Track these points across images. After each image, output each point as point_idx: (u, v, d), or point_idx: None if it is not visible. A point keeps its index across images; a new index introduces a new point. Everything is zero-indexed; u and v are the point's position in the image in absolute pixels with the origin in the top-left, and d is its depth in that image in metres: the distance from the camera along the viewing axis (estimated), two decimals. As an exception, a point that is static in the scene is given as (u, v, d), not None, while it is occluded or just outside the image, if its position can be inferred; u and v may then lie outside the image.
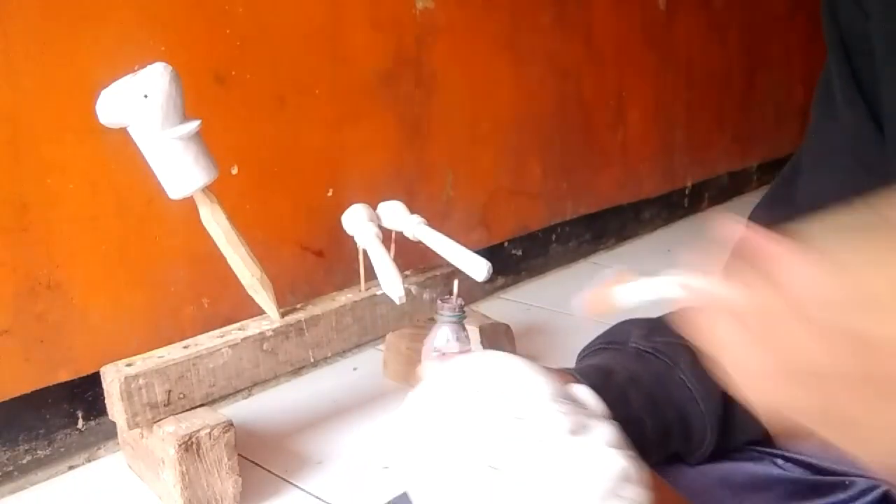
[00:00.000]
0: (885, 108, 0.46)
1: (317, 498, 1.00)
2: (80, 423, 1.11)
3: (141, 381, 0.90)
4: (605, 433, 0.37)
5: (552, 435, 0.35)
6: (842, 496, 0.48)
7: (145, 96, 0.83)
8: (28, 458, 1.06)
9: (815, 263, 0.27)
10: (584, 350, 0.53)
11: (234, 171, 1.22)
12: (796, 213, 0.53)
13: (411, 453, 0.38)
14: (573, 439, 0.35)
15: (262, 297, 1.02)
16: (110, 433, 1.11)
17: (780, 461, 0.50)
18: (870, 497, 0.48)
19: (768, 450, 0.51)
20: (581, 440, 0.36)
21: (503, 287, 1.76)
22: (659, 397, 0.45)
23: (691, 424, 0.46)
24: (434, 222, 1.14)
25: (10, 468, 1.04)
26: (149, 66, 0.85)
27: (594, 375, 0.43)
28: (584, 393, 0.39)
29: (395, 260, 1.05)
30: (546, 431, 0.35)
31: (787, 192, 0.55)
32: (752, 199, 2.55)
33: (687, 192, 2.35)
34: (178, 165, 0.88)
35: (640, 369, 0.46)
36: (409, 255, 1.21)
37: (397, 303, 1.02)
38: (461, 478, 0.36)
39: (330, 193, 1.36)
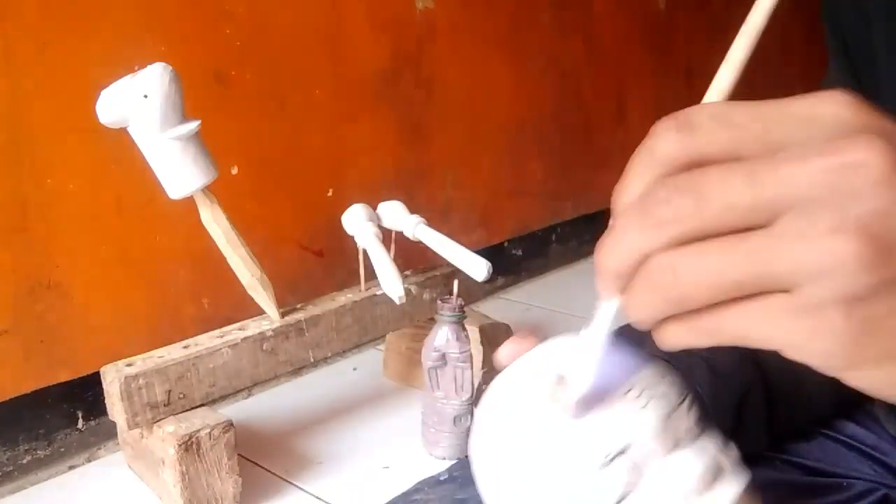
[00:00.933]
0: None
1: (317, 498, 1.00)
2: (80, 423, 1.11)
3: (141, 381, 0.90)
4: (736, 486, 0.30)
5: (676, 487, 0.28)
6: (840, 497, 0.48)
7: (145, 96, 0.83)
8: (28, 457, 1.06)
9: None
10: None
11: (234, 171, 1.22)
12: None
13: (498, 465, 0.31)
14: (701, 499, 0.29)
15: (262, 297, 1.02)
16: (110, 433, 1.11)
17: (777, 463, 0.50)
18: (869, 499, 0.47)
19: (766, 453, 0.51)
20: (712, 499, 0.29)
21: (503, 287, 1.76)
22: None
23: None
24: (434, 222, 1.14)
25: (10, 468, 1.04)
26: (149, 66, 0.85)
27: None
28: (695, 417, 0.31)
29: (395, 260, 1.05)
30: (668, 482, 0.29)
31: None
32: (752, 199, 2.56)
33: (687, 192, 2.35)
34: (178, 165, 0.88)
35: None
36: (409, 255, 1.21)
37: (397, 303, 1.02)
38: None
39: (330, 193, 1.36)
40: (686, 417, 0.31)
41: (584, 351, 0.28)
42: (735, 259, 0.21)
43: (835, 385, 0.50)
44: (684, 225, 0.21)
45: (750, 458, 0.50)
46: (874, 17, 0.46)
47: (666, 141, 0.23)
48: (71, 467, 1.10)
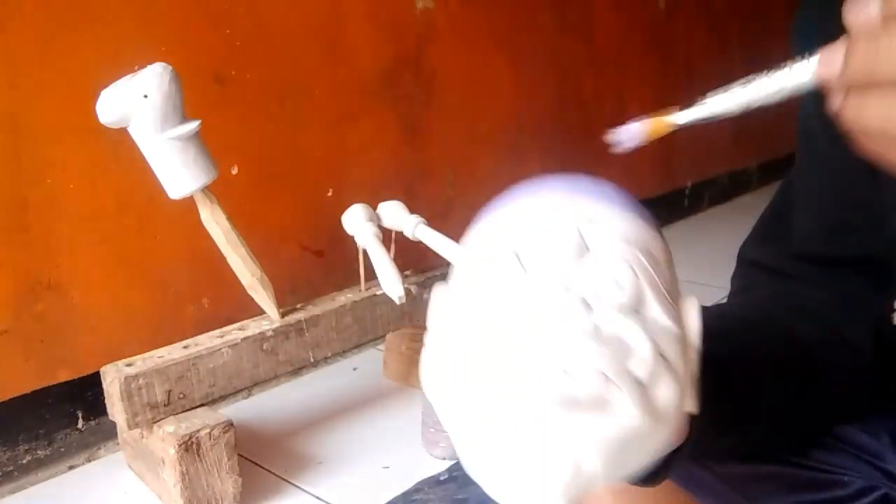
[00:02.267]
0: None
1: (317, 498, 1.00)
2: (80, 422, 1.11)
3: (141, 381, 0.90)
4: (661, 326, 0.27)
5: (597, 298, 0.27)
6: (840, 493, 0.48)
7: (145, 96, 0.83)
8: (28, 457, 1.06)
9: None
10: None
11: (234, 171, 1.22)
12: (789, 249, 0.53)
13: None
14: (617, 316, 0.27)
15: (262, 297, 1.02)
16: (110, 433, 1.11)
17: (779, 461, 0.50)
18: (870, 497, 0.47)
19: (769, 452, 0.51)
20: (623, 323, 0.27)
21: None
22: (731, 385, 0.43)
23: (748, 434, 0.44)
24: (434, 222, 1.14)
25: (11, 468, 1.04)
26: (148, 67, 0.85)
27: None
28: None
29: (395, 260, 1.05)
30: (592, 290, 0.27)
31: (778, 227, 0.55)
32: (751, 199, 2.56)
33: (687, 192, 2.35)
34: (178, 165, 0.88)
35: (721, 356, 0.44)
36: (409, 255, 1.21)
37: (397, 303, 1.02)
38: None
39: (330, 193, 1.36)
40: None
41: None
42: None
43: (861, 384, 0.50)
44: None
45: (753, 455, 0.50)
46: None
47: None
48: (71, 467, 1.10)
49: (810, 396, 0.46)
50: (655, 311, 0.28)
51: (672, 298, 0.29)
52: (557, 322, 0.26)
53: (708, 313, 0.46)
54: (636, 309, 0.27)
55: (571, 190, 0.29)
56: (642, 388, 0.26)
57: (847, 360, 0.49)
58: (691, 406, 0.29)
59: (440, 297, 0.30)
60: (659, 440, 0.28)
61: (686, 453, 0.39)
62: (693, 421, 0.38)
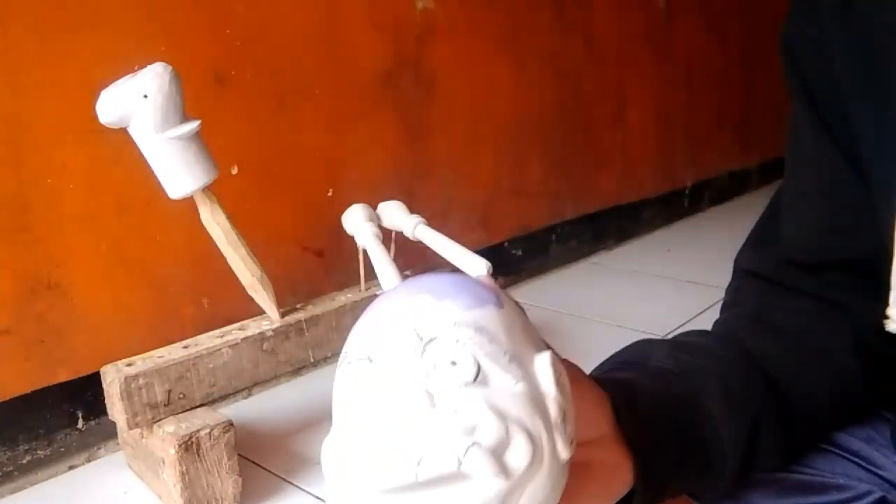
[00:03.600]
0: (862, 146, 0.46)
1: (317, 498, 1.00)
2: (80, 422, 1.11)
3: (141, 381, 0.90)
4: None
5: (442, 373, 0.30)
6: (835, 497, 0.48)
7: (145, 96, 0.83)
8: (28, 458, 1.06)
9: None
10: (596, 369, 0.50)
11: (234, 171, 1.22)
12: (779, 256, 0.53)
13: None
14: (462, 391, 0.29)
15: (262, 296, 1.02)
16: (110, 433, 1.11)
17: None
18: (865, 501, 0.47)
19: None
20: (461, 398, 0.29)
21: (503, 287, 1.76)
22: (683, 423, 0.42)
23: (709, 461, 0.43)
24: (434, 222, 1.14)
25: (10, 468, 1.04)
26: (148, 66, 0.85)
27: (620, 388, 0.40)
28: (544, 368, 0.32)
29: (395, 260, 1.05)
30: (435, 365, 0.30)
31: (770, 235, 0.55)
32: (751, 199, 2.56)
33: (687, 192, 2.35)
34: (178, 165, 0.88)
35: (666, 390, 0.42)
36: (409, 255, 1.21)
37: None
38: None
39: (330, 193, 1.36)
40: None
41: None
42: None
43: (842, 398, 0.50)
44: None
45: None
46: (837, 55, 0.46)
47: None
48: (71, 467, 1.10)
49: (779, 430, 0.46)
50: (498, 378, 0.30)
51: (521, 359, 0.31)
52: (405, 416, 0.29)
53: (673, 349, 0.46)
54: (483, 382, 0.30)
55: (411, 292, 0.33)
56: (495, 454, 0.29)
57: (826, 380, 0.48)
58: (564, 452, 0.31)
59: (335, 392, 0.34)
60: (541, 492, 0.30)
61: (640, 499, 0.39)
62: (640, 467, 0.38)
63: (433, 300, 0.31)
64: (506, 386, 0.30)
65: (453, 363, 0.30)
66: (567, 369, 0.37)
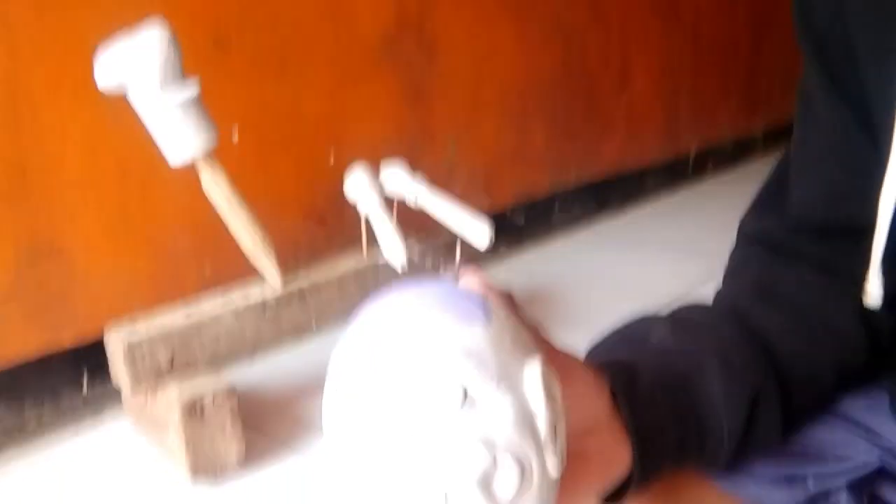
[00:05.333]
0: (874, 110, 0.45)
1: (318, 461, 1.01)
2: (86, 387, 1.11)
3: (144, 348, 0.91)
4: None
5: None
6: (834, 466, 0.48)
7: (143, 59, 0.82)
8: (35, 421, 1.07)
9: None
10: (595, 345, 0.50)
11: (235, 136, 1.21)
12: (785, 222, 0.53)
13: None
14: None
15: (264, 263, 1.02)
16: (115, 397, 1.12)
17: None
18: (865, 471, 0.47)
19: None
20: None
21: (506, 254, 1.75)
22: (682, 404, 0.42)
23: (707, 442, 0.43)
24: (436, 189, 1.13)
25: (18, 431, 1.05)
26: (145, 29, 0.84)
27: (618, 372, 0.40)
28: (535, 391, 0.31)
29: (398, 227, 1.05)
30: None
31: (775, 200, 0.54)
32: (757, 165, 2.54)
33: (691, 159, 2.34)
34: (178, 132, 0.88)
35: (666, 370, 0.42)
36: (412, 222, 1.21)
37: (399, 270, 1.02)
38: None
39: (332, 159, 1.35)
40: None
41: None
42: None
43: (844, 371, 0.49)
44: None
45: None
46: (851, 16, 0.45)
47: None
48: (77, 431, 1.11)
49: (778, 408, 0.46)
50: (486, 402, 0.30)
51: (510, 377, 0.31)
52: (391, 450, 0.29)
53: (673, 326, 0.46)
54: (470, 407, 0.30)
55: (395, 311, 0.32)
56: (482, 485, 0.29)
57: (829, 355, 0.48)
58: (554, 471, 0.31)
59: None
60: None
61: (636, 485, 0.40)
62: (637, 452, 0.39)
63: (418, 322, 0.31)
64: (494, 410, 0.30)
65: (439, 391, 0.30)
66: (563, 358, 0.37)
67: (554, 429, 0.31)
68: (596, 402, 0.38)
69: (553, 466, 0.31)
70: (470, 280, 0.36)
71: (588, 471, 0.37)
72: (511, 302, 0.36)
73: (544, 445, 0.31)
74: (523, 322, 0.35)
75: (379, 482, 0.29)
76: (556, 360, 0.36)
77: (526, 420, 0.31)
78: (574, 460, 0.35)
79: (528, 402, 0.31)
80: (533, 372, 0.32)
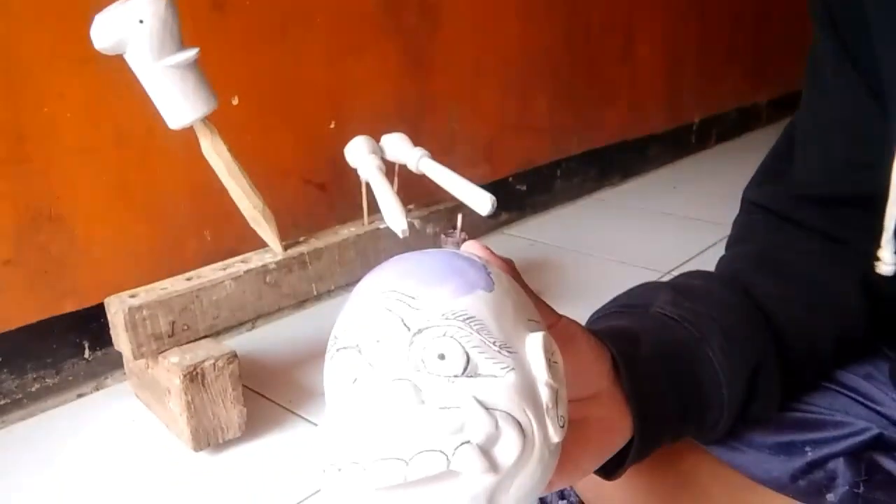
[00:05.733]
0: (886, 79, 0.44)
1: (320, 426, 1.02)
2: (87, 352, 1.12)
3: (145, 313, 0.91)
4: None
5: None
6: (832, 433, 0.48)
7: (140, 21, 0.81)
8: (37, 385, 1.08)
9: None
10: (597, 312, 0.50)
11: (235, 101, 1.20)
12: (790, 190, 0.52)
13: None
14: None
15: (265, 229, 1.02)
16: (117, 363, 1.13)
17: None
18: (863, 437, 0.48)
19: None
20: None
21: (507, 222, 1.75)
22: (683, 374, 0.42)
23: (707, 412, 0.43)
24: (438, 156, 1.12)
25: (20, 395, 1.06)
26: (144, -9, 0.83)
27: (620, 341, 0.40)
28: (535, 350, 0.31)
29: (399, 193, 1.04)
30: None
31: (781, 169, 0.54)
32: (760, 136, 2.52)
33: (694, 128, 2.32)
34: (177, 95, 0.87)
35: (668, 339, 0.42)
36: (413, 189, 1.20)
37: (400, 236, 1.01)
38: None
39: (332, 125, 1.34)
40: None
41: None
42: None
43: (844, 340, 0.49)
44: None
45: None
46: None
47: None
48: (79, 395, 1.12)
49: (779, 377, 0.46)
50: (488, 368, 0.30)
51: (512, 344, 0.31)
52: (394, 413, 0.29)
53: (676, 294, 0.45)
54: (473, 372, 0.30)
55: (400, 275, 0.32)
56: (483, 450, 0.29)
57: (830, 325, 0.48)
58: (555, 436, 0.31)
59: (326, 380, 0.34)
60: (530, 479, 0.30)
61: (636, 453, 0.40)
62: (638, 422, 0.39)
63: (421, 287, 0.31)
64: (495, 376, 0.30)
65: (441, 356, 0.30)
66: (565, 326, 0.36)
67: (556, 395, 0.31)
68: (598, 370, 0.38)
69: (554, 433, 0.31)
70: (472, 247, 0.36)
71: (589, 439, 0.37)
72: (513, 271, 0.36)
73: (546, 412, 0.31)
74: (525, 290, 0.35)
75: (380, 448, 0.29)
76: (557, 327, 0.36)
77: (528, 386, 0.30)
78: (575, 428, 0.35)
79: (530, 368, 0.31)
80: (535, 339, 0.31)
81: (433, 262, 0.32)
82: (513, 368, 0.30)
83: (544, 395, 0.31)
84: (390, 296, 0.31)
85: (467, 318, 0.30)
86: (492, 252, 0.36)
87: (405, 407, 0.29)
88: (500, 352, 0.30)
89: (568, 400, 0.32)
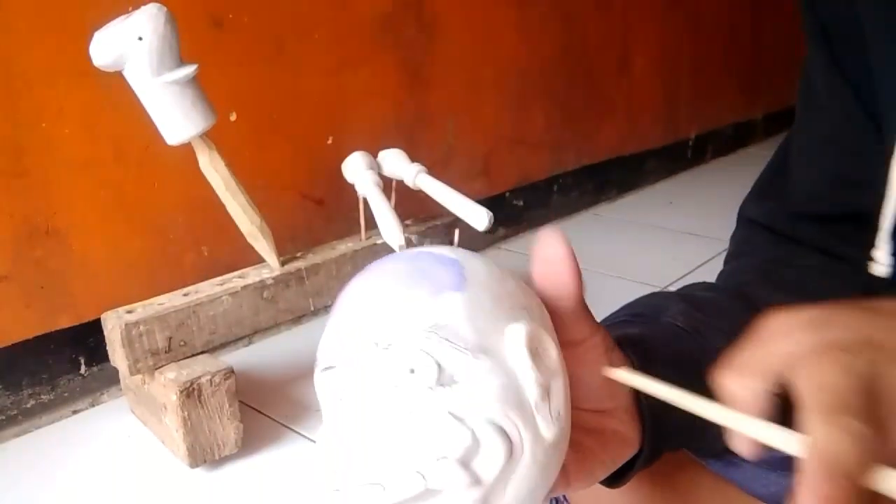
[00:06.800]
0: (882, 94, 0.45)
1: (316, 443, 1.01)
2: (83, 368, 1.11)
3: (142, 328, 0.91)
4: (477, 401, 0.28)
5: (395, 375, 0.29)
6: None
7: (139, 38, 0.82)
8: (32, 402, 1.07)
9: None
10: (607, 319, 0.50)
11: (233, 117, 1.20)
12: (787, 207, 0.53)
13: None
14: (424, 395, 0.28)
15: (262, 245, 1.02)
16: (113, 379, 1.12)
17: None
18: None
19: None
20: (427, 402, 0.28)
21: (504, 237, 1.75)
22: (694, 386, 0.43)
23: (712, 428, 0.44)
24: (435, 170, 1.12)
25: (15, 412, 1.06)
26: (142, 7, 0.83)
27: (632, 349, 0.39)
28: (516, 343, 0.30)
29: (396, 209, 1.04)
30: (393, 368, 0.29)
31: (777, 184, 0.54)
32: (756, 151, 2.53)
33: (690, 143, 2.33)
34: (175, 111, 0.87)
35: (679, 351, 0.42)
36: (410, 204, 1.20)
37: (397, 251, 1.01)
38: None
39: (330, 141, 1.35)
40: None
41: None
42: None
43: None
44: None
45: None
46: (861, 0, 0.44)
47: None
48: (75, 412, 1.11)
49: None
50: (464, 375, 0.28)
51: (490, 344, 0.29)
52: (367, 436, 0.28)
53: (686, 305, 0.45)
54: (448, 382, 0.28)
55: (369, 287, 0.31)
56: (463, 464, 0.27)
57: None
58: (547, 433, 0.29)
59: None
60: (527, 481, 0.29)
61: (644, 464, 0.40)
62: (649, 436, 0.39)
63: (387, 300, 0.30)
64: (473, 382, 0.28)
65: (412, 371, 0.28)
66: (603, 339, 0.35)
67: (546, 390, 0.29)
68: (621, 386, 0.38)
69: (547, 428, 0.29)
70: (551, 238, 0.34)
71: (605, 450, 0.37)
72: (575, 276, 0.35)
73: (535, 409, 0.29)
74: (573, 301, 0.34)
75: (359, 474, 0.28)
76: (594, 341, 0.35)
77: (510, 387, 0.29)
78: (594, 438, 0.35)
79: (512, 366, 0.29)
80: (515, 333, 0.29)
81: (399, 269, 0.31)
82: (491, 371, 0.28)
83: (530, 391, 0.29)
84: (360, 313, 0.30)
85: (435, 327, 0.28)
86: (569, 248, 0.35)
87: (380, 428, 0.28)
88: (475, 356, 0.28)
89: (587, 409, 0.31)
